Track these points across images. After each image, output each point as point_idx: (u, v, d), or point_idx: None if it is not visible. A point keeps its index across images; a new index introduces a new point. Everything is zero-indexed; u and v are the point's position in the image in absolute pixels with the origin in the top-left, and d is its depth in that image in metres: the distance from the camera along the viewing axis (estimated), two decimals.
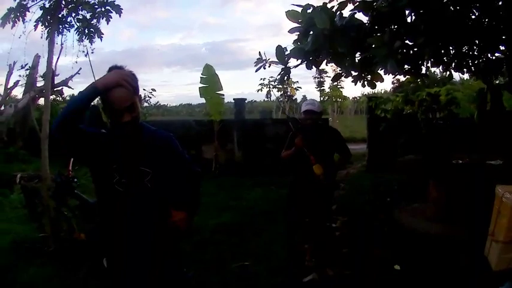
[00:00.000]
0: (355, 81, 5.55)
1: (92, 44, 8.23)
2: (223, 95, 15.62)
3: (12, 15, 7.43)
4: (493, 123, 8.90)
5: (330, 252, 6.45)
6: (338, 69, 6.07)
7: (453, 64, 5.75)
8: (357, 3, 4.75)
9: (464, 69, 5.98)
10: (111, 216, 3.32)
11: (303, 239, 6.64)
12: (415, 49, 5.07)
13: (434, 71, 9.74)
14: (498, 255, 4.85)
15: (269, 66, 5.51)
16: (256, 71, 5.67)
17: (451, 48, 5.48)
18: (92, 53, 8.50)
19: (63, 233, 7.61)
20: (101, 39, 8.18)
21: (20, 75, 17.05)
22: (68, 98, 17.46)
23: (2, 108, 15.16)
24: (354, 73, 5.47)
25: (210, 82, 15.21)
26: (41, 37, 7.85)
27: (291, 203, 6.63)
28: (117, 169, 3.18)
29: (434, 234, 6.77)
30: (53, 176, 7.59)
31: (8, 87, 16.32)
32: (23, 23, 7.61)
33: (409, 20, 4.81)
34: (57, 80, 15.19)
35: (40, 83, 16.00)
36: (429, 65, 5.81)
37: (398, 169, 10.33)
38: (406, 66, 5.39)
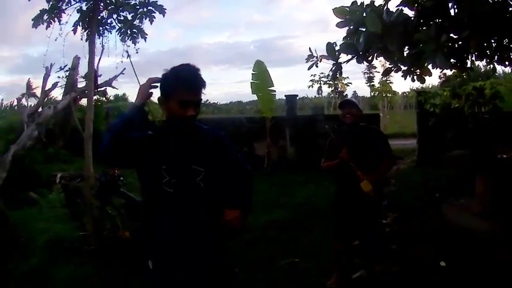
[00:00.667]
0: (404, 76, 5.65)
1: (135, 45, 8.31)
2: (274, 91, 15.87)
3: (45, 17, 7.64)
4: None
5: (379, 248, 6.09)
6: (387, 64, 6.11)
7: (496, 57, 5.85)
8: None
9: (506, 62, 6.07)
10: (160, 217, 3.39)
11: (351, 238, 6.01)
12: (460, 43, 5.19)
13: (478, 65, 9.78)
14: None
15: (320, 62, 5.65)
16: (308, 69, 5.78)
17: (493, 41, 5.56)
18: (137, 53, 8.51)
19: (106, 231, 7.80)
20: (145, 40, 8.30)
21: (58, 77, 17.41)
22: (111, 97, 17.73)
23: (40, 109, 15.45)
24: (403, 67, 5.60)
25: (261, 79, 15.50)
26: (81, 39, 8.09)
27: (337, 220, 5.99)
28: (167, 169, 3.27)
29: (480, 230, 6.85)
30: (97, 175, 7.80)
31: (46, 89, 16.72)
32: (59, 24, 7.85)
33: (452, 12, 4.94)
34: (100, 81, 15.53)
35: (81, 84, 16.36)
36: (474, 58, 5.94)
37: (447, 164, 10.39)
38: (452, 60, 5.52)
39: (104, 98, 17.62)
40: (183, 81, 3.20)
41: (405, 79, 5.72)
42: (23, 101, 26.54)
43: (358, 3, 4.98)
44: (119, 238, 7.51)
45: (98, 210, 7.82)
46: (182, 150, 3.34)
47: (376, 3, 5.01)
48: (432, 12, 4.86)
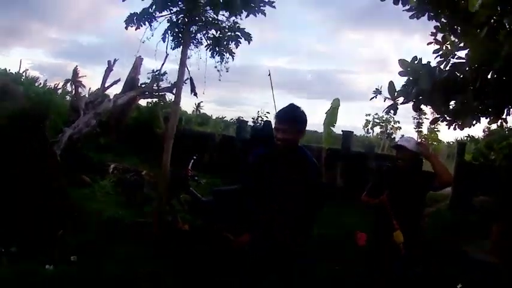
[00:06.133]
0: (448, 125, 7.03)
1: (223, 61, 9.52)
2: (334, 126, 17.22)
3: (135, 20, 8.80)
4: None
5: None
6: (435, 114, 7.30)
7: None
8: (451, 64, 6.38)
9: None
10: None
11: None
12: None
13: None
14: None
15: (384, 101, 7.07)
16: (370, 99, 7.14)
17: None
18: (227, 71, 9.77)
19: (167, 222, 8.94)
20: (233, 58, 9.55)
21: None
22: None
23: (99, 100, 16.30)
24: (448, 118, 7.00)
25: (331, 114, 16.89)
26: (170, 48, 9.39)
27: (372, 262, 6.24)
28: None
29: (493, 263, 7.77)
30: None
31: (106, 83, 17.73)
32: (150, 29, 9.06)
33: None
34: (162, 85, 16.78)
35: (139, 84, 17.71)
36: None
37: (475, 208, 11.49)
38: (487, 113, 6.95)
39: (162, 102, 18.76)
40: (277, 114, 4.87)
41: (449, 128, 7.07)
42: (67, 86, 27.46)
43: (417, 60, 6.53)
44: (178, 229, 8.74)
45: (165, 203, 8.98)
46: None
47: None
48: (473, 78, 6.30)
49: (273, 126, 4.85)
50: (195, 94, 10.25)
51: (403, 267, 5.72)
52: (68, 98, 25.65)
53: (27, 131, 7.78)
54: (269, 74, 9.95)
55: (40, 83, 28.93)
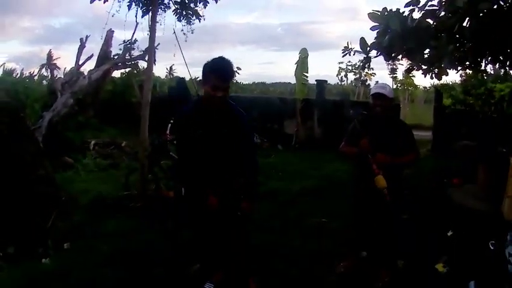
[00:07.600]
0: (424, 74, 7.01)
1: (190, 25, 9.69)
2: (307, 76, 17.84)
3: None
4: None
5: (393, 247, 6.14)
6: (409, 62, 7.33)
7: (508, 63, 6.98)
8: (424, 10, 6.34)
9: None
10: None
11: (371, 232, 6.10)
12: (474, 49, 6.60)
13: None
14: (508, 207, 6.66)
15: (353, 55, 7.08)
16: (342, 56, 7.21)
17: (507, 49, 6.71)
18: (192, 33, 9.98)
19: (150, 191, 8.92)
20: (200, 21, 9.64)
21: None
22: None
23: (74, 79, 16.26)
24: (423, 67, 7.01)
25: (301, 63, 17.53)
26: (139, 16, 9.51)
27: (357, 212, 6.16)
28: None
29: (478, 209, 7.80)
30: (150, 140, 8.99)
31: (80, 60, 17.65)
32: (118, 0, 9.18)
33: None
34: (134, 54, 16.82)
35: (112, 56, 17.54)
36: (488, 62, 7.25)
37: (457, 153, 11.52)
38: (467, 62, 6.94)
39: (136, 71, 18.80)
40: (215, 71, 4.64)
41: (425, 77, 7.04)
42: (43, 71, 27.31)
43: (388, 11, 6.49)
44: (162, 197, 8.65)
45: (147, 172, 8.96)
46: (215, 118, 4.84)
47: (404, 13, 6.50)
48: (447, 24, 6.28)
49: (211, 85, 4.64)
50: (154, 60, 10.39)
51: (389, 214, 5.75)
52: (45, 82, 25.48)
53: (7, 124, 7.57)
54: (174, 32, 10.01)
55: (17, 74, 28.58)
